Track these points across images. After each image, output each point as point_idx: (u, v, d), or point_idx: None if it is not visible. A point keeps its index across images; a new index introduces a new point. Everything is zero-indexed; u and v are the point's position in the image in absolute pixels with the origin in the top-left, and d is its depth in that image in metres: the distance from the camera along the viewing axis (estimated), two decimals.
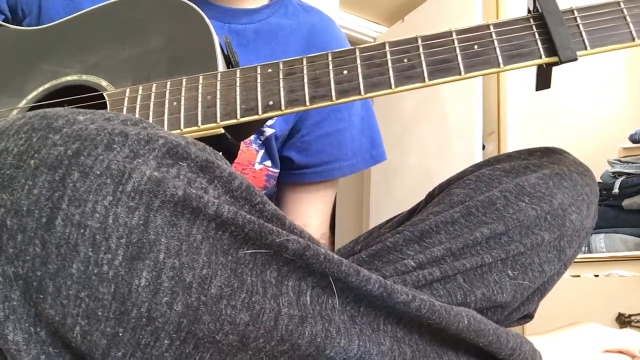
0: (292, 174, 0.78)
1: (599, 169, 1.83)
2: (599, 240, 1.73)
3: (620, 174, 1.81)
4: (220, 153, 0.58)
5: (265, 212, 0.36)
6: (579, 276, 1.62)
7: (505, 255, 0.49)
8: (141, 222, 0.31)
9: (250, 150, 0.72)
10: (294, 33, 0.75)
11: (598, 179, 1.84)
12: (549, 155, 0.57)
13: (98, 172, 0.31)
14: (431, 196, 0.58)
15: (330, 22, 0.81)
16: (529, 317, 0.58)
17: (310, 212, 0.78)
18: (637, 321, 1.44)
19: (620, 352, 0.54)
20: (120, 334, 0.31)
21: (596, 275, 1.59)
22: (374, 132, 0.81)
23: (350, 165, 0.78)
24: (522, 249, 0.50)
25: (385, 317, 0.40)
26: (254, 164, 0.73)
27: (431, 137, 2.38)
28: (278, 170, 0.76)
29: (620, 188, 1.77)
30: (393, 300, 0.39)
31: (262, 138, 0.72)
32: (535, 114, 2.23)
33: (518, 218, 0.50)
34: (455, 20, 2.26)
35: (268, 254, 0.34)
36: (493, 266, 0.49)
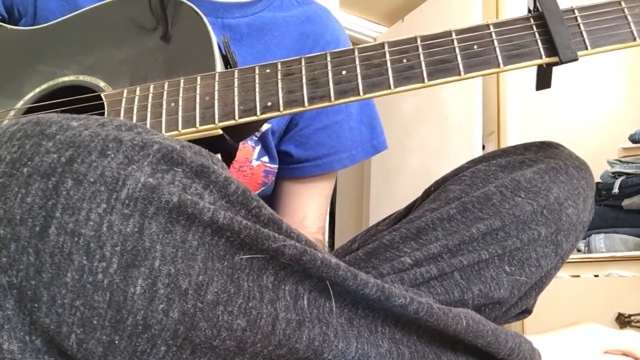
0: (290, 168, 0.77)
1: (599, 169, 1.83)
2: (599, 240, 1.73)
3: (620, 174, 1.80)
4: (219, 154, 0.58)
5: (261, 217, 0.35)
6: (579, 276, 1.62)
7: (502, 250, 0.49)
8: (136, 229, 0.30)
9: (246, 147, 0.71)
10: (288, 26, 0.74)
11: (598, 179, 1.83)
12: (544, 150, 0.56)
13: (92, 180, 0.30)
14: (427, 193, 0.58)
15: (325, 12, 0.80)
16: (527, 312, 0.57)
17: (308, 206, 0.78)
18: (637, 321, 1.44)
19: (623, 353, 0.54)
20: (117, 342, 0.30)
21: (596, 275, 1.59)
22: (373, 120, 0.80)
23: (350, 156, 0.77)
24: (518, 244, 0.49)
25: (383, 319, 0.40)
26: (251, 160, 0.72)
27: (431, 137, 2.38)
28: (276, 166, 0.75)
29: (620, 188, 1.77)
30: (390, 304, 0.38)
31: (258, 134, 0.71)
32: (535, 114, 2.23)
33: (514, 213, 0.50)
34: (455, 20, 2.26)
35: (264, 259, 0.34)
36: (490, 262, 0.49)
